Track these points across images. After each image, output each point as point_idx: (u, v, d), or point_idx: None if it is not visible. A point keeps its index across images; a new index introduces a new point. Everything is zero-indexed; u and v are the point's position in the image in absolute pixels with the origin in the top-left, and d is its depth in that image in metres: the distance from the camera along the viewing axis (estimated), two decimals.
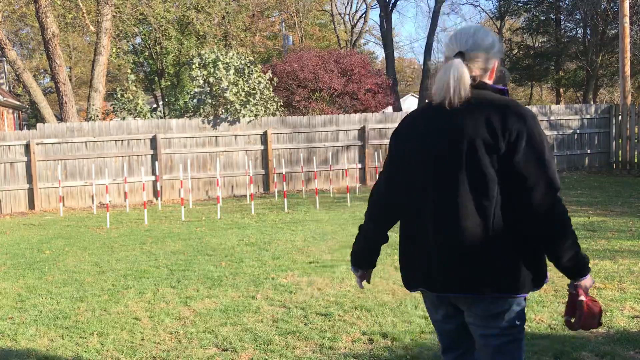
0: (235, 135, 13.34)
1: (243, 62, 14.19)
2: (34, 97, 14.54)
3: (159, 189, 12.42)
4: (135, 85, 15.57)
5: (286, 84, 17.82)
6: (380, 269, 5.64)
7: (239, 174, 13.31)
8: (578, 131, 15.62)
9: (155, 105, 24.06)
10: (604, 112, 15.89)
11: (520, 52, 28.71)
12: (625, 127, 15.14)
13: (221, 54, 14.11)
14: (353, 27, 40.80)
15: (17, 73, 14.63)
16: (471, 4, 50.73)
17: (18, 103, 26.36)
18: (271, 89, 14.59)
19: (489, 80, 2.16)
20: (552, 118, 15.34)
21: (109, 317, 4.73)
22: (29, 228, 9.72)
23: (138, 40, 25.26)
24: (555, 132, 15.38)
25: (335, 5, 39.81)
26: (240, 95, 13.54)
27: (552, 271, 2.28)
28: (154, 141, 12.65)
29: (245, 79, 13.94)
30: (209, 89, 13.94)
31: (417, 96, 31.36)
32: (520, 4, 28.54)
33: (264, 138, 13.48)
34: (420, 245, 2.16)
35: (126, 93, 14.69)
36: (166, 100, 23.44)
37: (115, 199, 12.48)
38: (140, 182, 12.20)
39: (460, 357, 2.34)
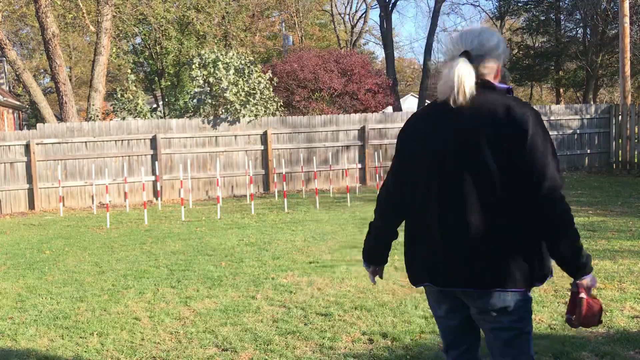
0: (235, 135, 13.34)
1: (243, 62, 14.18)
2: (34, 97, 14.54)
3: (159, 189, 12.42)
4: (135, 85, 15.57)
5: (286, 84, 17.82)
6: None
7: (239, 174, 13.31)
8: (578, 131, 15.62)
9: (155, 105, 24.05)
10: (604, 112, 15.89)
11: (520, 52, 28.69)
12: (625, 127, 15.14)
13: (221, 54, 14.11)
14: (353, 27, 40.83)
15: (17, 73, 14.63)
16: (471, 4, 50.65)
17: (18, 103, 26.36)
18: (271, 89, 14.59)
19: (494, 80, 2.18)
20: (552, 118, 15.34)
21: (109, 317, 4.73)
22: (29, 228, 9.72)
23: (138, 40, 25.27)
24: (555, 132, 15.37)
25: (335, 5, 39.88)
26: (240, 95, 13.54)
27: (552, 271, 2.28)
28: (154, 141, 12.65)
29: (245, 79, 13.94)
30: (209, 89, 13.94)
31: (417, 96, 31.30)
32: (520, 4, 28.54)
33: (264, 138, 13.48)
34: (426, 241, 2.19)
35: (126, 93, 14.69)
36: (166, 100, 23.44)
37: (115, 199, 12.48)
38: (140, 182, 12.20)
39: (463, 354, 2.36)
